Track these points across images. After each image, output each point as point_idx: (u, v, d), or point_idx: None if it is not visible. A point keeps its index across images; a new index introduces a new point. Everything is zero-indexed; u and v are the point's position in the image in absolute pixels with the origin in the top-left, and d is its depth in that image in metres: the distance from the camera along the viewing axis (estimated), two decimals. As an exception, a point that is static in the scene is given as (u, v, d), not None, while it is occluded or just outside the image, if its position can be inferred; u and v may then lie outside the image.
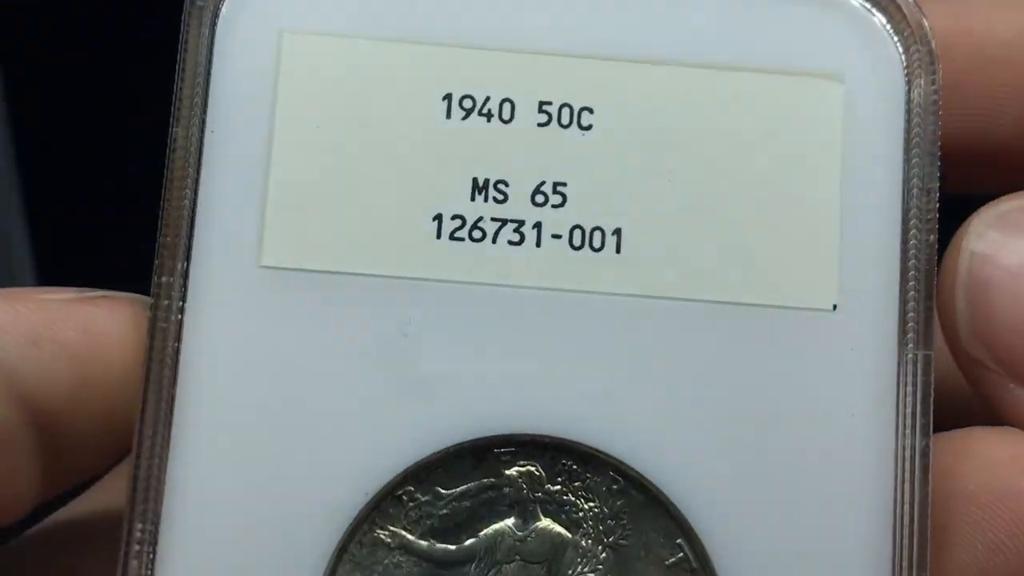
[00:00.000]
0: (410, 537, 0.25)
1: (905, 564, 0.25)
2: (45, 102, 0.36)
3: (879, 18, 0.26)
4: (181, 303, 0.25)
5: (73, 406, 0.25)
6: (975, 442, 0.26)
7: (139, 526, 0.25)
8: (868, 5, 0.26)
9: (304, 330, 0.26)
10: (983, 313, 0.26)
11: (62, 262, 0.36)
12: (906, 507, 0.25)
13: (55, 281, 0.27)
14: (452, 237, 0.26)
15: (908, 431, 0.26)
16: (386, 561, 0.25)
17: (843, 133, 0.26)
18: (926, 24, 0.26)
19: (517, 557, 0.25)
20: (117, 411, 0.25)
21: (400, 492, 0.25)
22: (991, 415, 0.26)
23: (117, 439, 0.26)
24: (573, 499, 0.26)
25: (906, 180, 0.26)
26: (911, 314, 0.26)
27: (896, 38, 0.26)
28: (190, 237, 0.25)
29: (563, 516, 0.26)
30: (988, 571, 0.25)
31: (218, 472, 0.25)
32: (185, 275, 0.25)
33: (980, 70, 0.28)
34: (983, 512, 0.26)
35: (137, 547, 0.25)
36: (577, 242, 0.26)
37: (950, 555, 0.26)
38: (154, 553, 0.25)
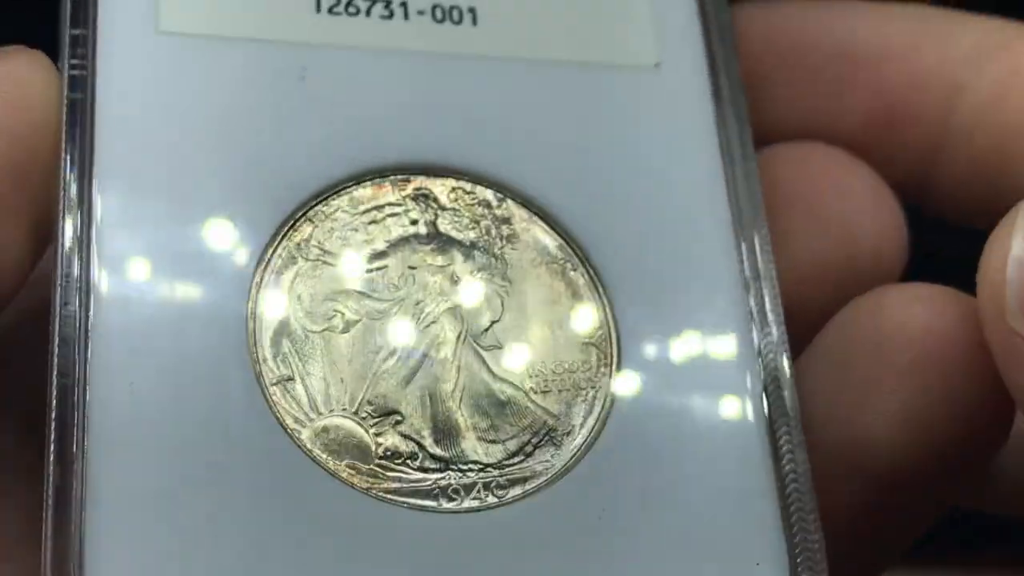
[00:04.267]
0: (325, 253, 0.28)
1: (747, 251, 0.29)
2: None
3: None
4: (91, 66, 0.28)
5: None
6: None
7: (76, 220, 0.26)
8: None
9: (206, 85, 0.28)
10: None
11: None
12: (740, 212, 0.30)
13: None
14: (330, 12, 0.30)
15: (733, 151, 0.30)
16: (305, 266, 0.28)
17: None
18: None
19: (423, 264, 0.28)
20: (37, 166, 0.26)
21: (311, 213, 0.28)
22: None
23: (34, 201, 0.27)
24: (465, 214, 0.29)
25: None
26: (722, 68, 0.31)
27: None
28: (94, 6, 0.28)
29: (458, 226, 0.29)
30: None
31: (140, 200, 0.27)
32: (91, 42, 0.28)
33: (830, 66, 0.32)
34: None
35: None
36: (439, 17, 0.30)
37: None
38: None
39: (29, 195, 0.26)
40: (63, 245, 0.26)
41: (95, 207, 0.27)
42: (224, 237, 0.27)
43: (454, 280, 0.28)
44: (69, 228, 0.26)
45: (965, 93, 0.30)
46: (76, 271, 0.26)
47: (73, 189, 0.27)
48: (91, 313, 0.26)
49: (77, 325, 0.25)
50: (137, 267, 0.26)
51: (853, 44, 0.32)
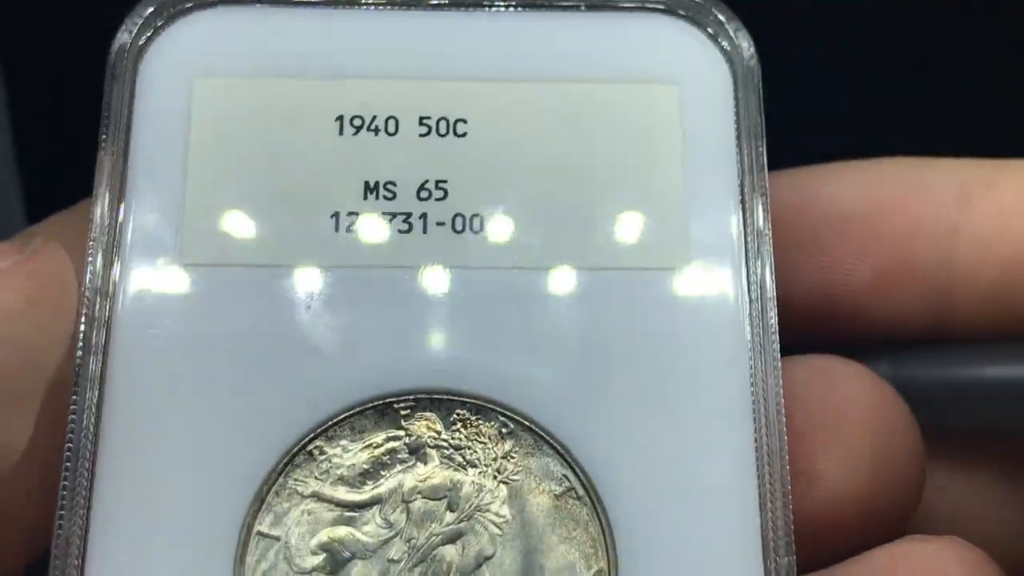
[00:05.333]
0: (321, 486, 0.28)
1: (767, 468, 0.28)
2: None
3: (705, 29, 0.31)
4: (112, 297, 0.29)
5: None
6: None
7: (78, 483, 0.28)
8: (695, 19, 0.31)
9: (222, 313, 0.29)
10: None
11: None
12: (763, 422, 0.28)
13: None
14: (348, 230, 0.30)
15: (759, 359, 0.29)
16: (300, 508, 0.28)
17: (681, 127, 0.31)
18: (743, 30, 0.31)
19: (419, 496, 0.28)
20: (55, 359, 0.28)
21: (311, 447, 0.28)
22: None
23: None
24: (467, 443, 0.28)
25: (740, 159, 0.30)
26: (754, 266, 0.29)
27: (719, 44, 0.31)
28: (120, 241, 0.29)
29: (460, 458, 0.28)
30: None
31: (150, 437, 0.28)
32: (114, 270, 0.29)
33: (827, 231, 0.33)
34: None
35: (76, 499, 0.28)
36: (459, 227, 0.30)
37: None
38: (89, 506, 0.28)
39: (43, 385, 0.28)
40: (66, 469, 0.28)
41: (101, 441, 0.28)
42: (221, 476, 0.28)
43: (450, 511, 0.28)
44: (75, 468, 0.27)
45: (960, 235, 0.31)
46: (78, 500, 0.27)
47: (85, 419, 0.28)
48: (86, 556, 0.27)
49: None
50: (135, 502, 0.27)
51: (842, 206, 0.32)
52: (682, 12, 0.31)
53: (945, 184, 0.31)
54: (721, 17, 0.31)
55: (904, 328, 0.32)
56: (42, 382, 0.26)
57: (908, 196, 0.32)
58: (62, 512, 0.27)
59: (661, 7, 0.31)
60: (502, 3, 0.31)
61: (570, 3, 0.31)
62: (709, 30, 0.31)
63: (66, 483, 0.27)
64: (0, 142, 0.42)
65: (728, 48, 0.31)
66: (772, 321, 0.29)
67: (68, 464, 0.27)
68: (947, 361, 0.32)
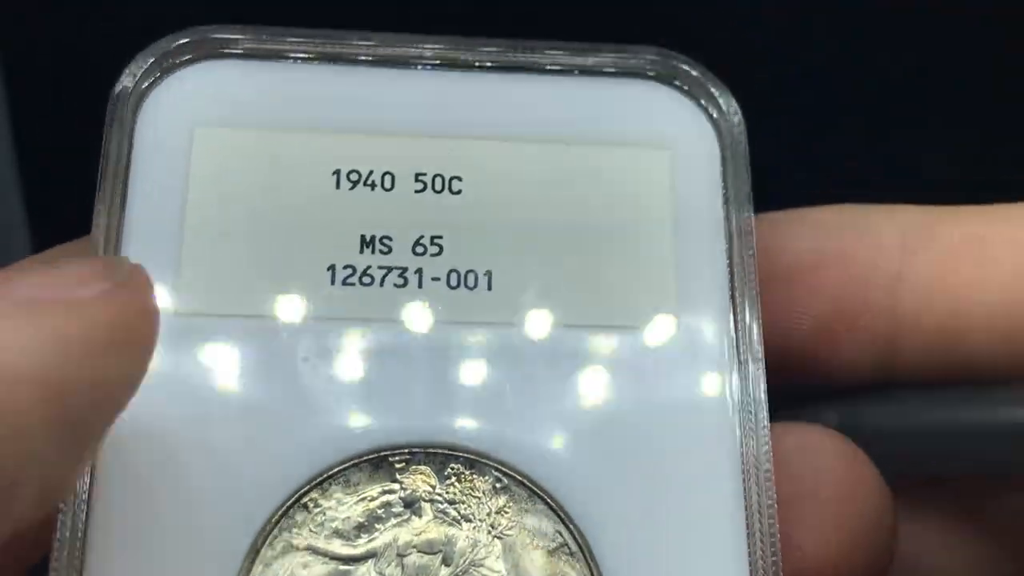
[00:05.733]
0: (316, 539, 0.28)
1: (758, 530, 0.28)
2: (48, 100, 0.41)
3: (694, 97, 0.32)
4: None
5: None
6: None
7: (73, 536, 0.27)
8: (684, 87, 0.32)
9: (216, 363, 0.29)
10: None
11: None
12: (753, 485, 0.29)
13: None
14: (344, 283, 0.30)
15: (748, 423, 0.29)
16: (295, 561, 0.28)
17: (672, 191, 0.31)
18: (729, 97, 0.32)
19: (414, 550, 0.28)
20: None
21: (305, 500, 0.28)
22: None
23: None
24: (462, 498, 0.29)
25: (728, 224, 0.31)
26: (741, 326, 0.30)
27: (707, 111, 0.32)
28: None
29: (454, 512, 0.29)
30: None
31: (142, 488, 0.28)
32: None
33: (771, 282, 0.32)
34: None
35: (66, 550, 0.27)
36: (454, 283, 0.30)
37: None
38: (82, 557, 0.27)
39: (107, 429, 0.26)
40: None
41: (94, 487, 0.28)
42: (215, 528, 0.28)
43: (445, 566, 0.28)
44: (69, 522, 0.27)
45: (904, 282, 0.31)
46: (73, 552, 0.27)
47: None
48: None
49: None
50: (128, 554, 0.27)
51: (786, 257, 0.32)
52: (671, 79, 0.32)
53: (889, 231, 0.32)
54: (711, 87, 0.32)
55: (848, 376, 0.32)
56: (108, 426, 0.25)
57: (851, 244, 0.32)
58: (56, 566, 0.27)
59: (651, 74, 0.32)
60: (498, 65, 0.32)
61: (564, 68, 0.32)
62: (697, 97, 0.32)
63: (59, 536, 0.27)
64: (0, 142, 0.42)
65: (716, 116, 0.32)
66: (760, 384, 0.29)
67: (61, 517, 0.27)
68: (893, 407, 0.33)
